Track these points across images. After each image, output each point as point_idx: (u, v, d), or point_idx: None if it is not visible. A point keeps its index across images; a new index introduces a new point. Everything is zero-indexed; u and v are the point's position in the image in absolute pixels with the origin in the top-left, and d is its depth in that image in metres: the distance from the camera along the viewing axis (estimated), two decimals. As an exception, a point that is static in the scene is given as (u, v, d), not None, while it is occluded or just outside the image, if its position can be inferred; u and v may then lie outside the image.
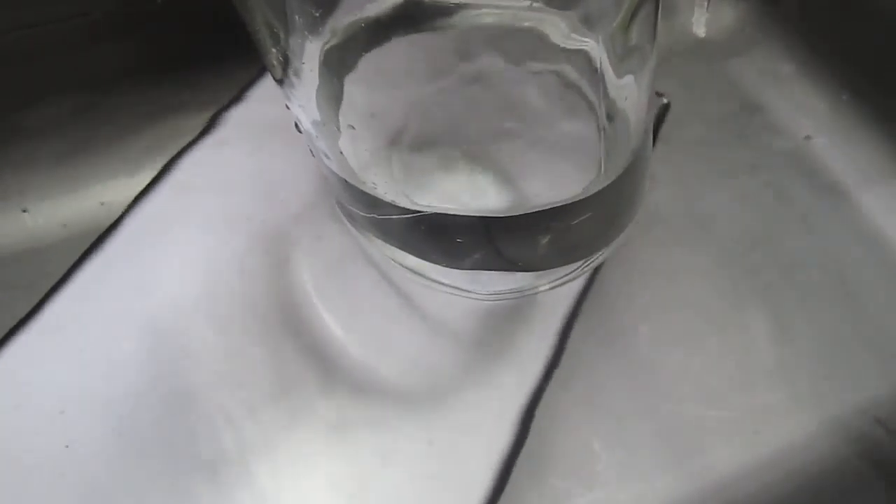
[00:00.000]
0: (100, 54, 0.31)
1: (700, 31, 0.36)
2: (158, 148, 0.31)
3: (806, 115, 0.33)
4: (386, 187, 0.21)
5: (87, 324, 0.24)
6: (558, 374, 0.25)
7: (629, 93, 0.20)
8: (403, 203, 0.20)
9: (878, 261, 0.30)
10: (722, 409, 0.26)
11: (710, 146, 0.33)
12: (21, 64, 0.30)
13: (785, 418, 0.26)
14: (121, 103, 0.32)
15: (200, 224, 0.27)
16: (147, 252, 0.26)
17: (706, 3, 0.35)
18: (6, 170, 0.31)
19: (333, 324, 0.25)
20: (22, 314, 0.24)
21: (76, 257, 0.26)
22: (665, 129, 0.30)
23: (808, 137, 0.33)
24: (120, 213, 0.27)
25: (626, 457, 0.26)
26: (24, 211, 0.31)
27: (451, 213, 0.21)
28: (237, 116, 0.29)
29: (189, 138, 0.29)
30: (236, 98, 0.29)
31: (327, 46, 0.19)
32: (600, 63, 0.19)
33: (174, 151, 0.28)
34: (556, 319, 0.25)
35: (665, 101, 0.30)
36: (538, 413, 0.24)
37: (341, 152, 0.20)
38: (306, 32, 0.18)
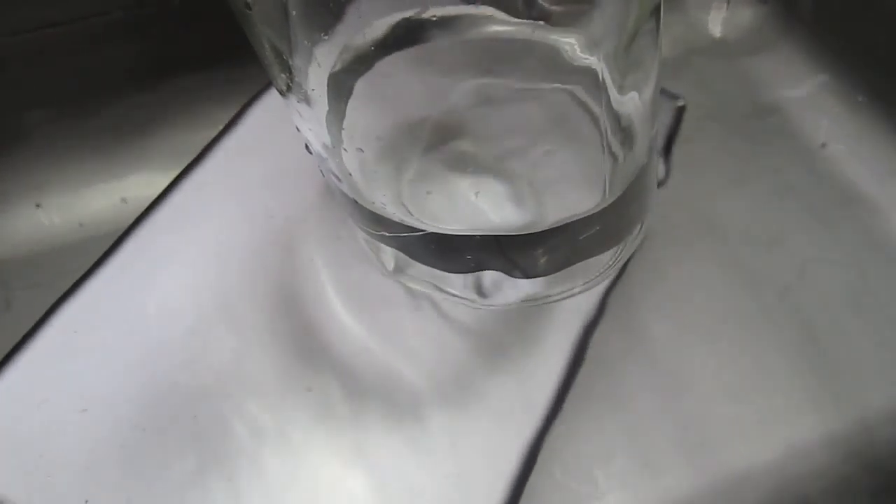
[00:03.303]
0: (121, 51, 0.31)
1: (716, 30, 0.35)
2: (179, 144, 0.31)
3: (824, 117, 0.33)
4: (394, 207, 0.21)
5: (108, 321, 0.25)
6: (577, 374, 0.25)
7: (633, 109, 0.20)
8: (411, 222, 0.21)
9: (894, 263, 0.30)
10: (740, 408, 0.27)
11: (728, 147, 0.32)
12: (42, 61, 0.31)
13: (803, 418, 0.26)
14: (141, 101, 0.32)
15: (220, 223, 0.27)
16: (167, 250, 0.26)
17: (724, 4, 0.35)
18: (24, 168, 0.32)
19: (352, 323, 0.25)
20: (42, 312, 0.25)
21: (95, 255, 0.26)
22: (682, 130, 0.30)
23: (824, 145, 0.32)
24: (139, 209, 0.27)
25: (644, 455, 0.26)
26: (38, 206, 0.32)
27: (459, 232, 0.21)
28: (259, 114, 0.29)
29: (210, 135, 0.29)
30: (257, 95, 0.29)
31: (334, 70, 0.19)
32: (603, 80, 0.19)
33: (195, 148, 0.28)
34: (579, 320, 0.25)
35: (681, 103, 0.30)
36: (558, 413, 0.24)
37: (350, 174, 0.21)
38: (313, 55, 0.18)
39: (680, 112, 0.30)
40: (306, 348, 0.25)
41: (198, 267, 0.26)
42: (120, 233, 0.26)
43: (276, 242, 0.26)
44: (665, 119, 0.30)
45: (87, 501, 0.22)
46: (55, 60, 0.31)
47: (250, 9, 0.17)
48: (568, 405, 0.24)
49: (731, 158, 0.32)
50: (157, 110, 0.33)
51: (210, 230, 0.27)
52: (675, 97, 0.30)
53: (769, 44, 0.35)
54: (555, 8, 0.18)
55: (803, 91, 0.34)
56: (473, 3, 0.19)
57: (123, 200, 0.32)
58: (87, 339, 0.24)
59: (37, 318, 0.25)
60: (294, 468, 0.23)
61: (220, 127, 0.29)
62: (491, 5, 0.19)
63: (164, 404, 0.23)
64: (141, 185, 0.32)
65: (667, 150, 0.29)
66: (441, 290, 0.24)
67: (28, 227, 0.31)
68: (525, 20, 0.18)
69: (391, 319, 0.25)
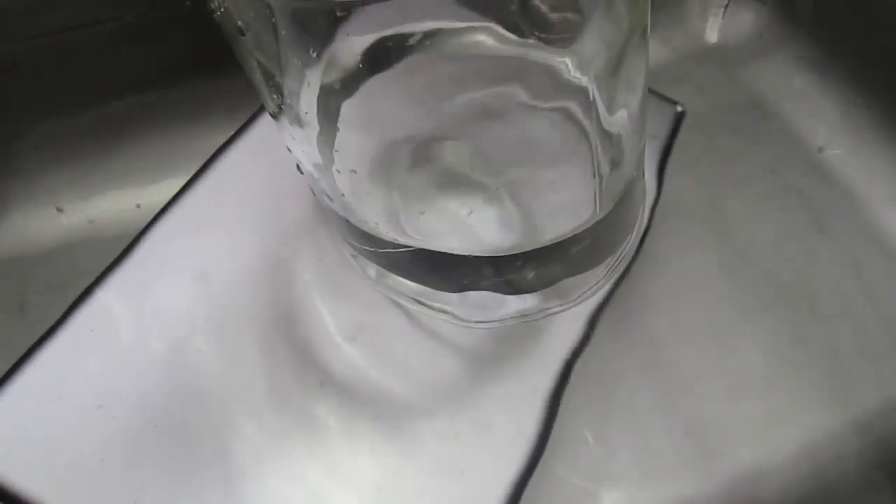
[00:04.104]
0: (135, 57, 0.31)
1: (714, 36, 0.35)
2: (194, 149, 0.31)
3: (821, 122, 0.33)
4: (386, 226, 0.21)
5: (123, 321, 0.25)
6: (579, 370, 0.25)
7: (622, 126, 0.20)
8: (403, 241, 0.21)
9: (892, 262, 0.30)
10: (741, 406, 0.27)
11: (727, 151, 0.32)
12: (58, 67, 0.31)
13: (804, 417, 0.27)
14: (156, 105, 0.33)
15: (229, 227, 0.27)
16: (178, 253, 0.27)
17: (722, 10, 0.35)
18: (38, 171, 0.32)
19: (344, 339, 0.25)
20: (56, 313, 0.25)
21: (108, 258, 0.26)
22: (681, 134, 0.30)
23: (821, 149, 0.32)
24: (153, 213, 0.27)
25: (645, 454, 0.26)
26: (60, 210, 0.32)
27: (450, 251, 0.21)
28: (269, 119, 0.29)
29: (224, 139, 0.29)
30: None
31: (324, 89, 0.19)
32: (593, 98, 0.19)
33: (209, 153, 0.28)
34: (581, 316, 0.26)
35: (679, 108, 0.30)
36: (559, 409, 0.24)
37: (343, 194, 0.21)
38: (304, 76, 0.19)
39: (679, 118, 0.30)
40: (301, 363, 0.25)
41: (207, 271, 0.26)
42: (132, 235, 0.27)
43: (283, 248, 0.27)
44: (664, 125, 0.30)
45: (100, 495, 0.23)
46: (70, 65, 0.31)
47: (243, 34, 0.17)
48: (571, 403, 0.25)
49: (730, 162, 0.32)
50: (174, 113, 0.33)
51: (220, 234, 0.27)
52: (673, 103, 0.30)
53: (767, 49, 0.35)
54: (549, 23, 0.18)
55: (801, 95, 0.34)
56: (469, 21, 0.19)
57: (139, 206, 0.32)
58: (103, 337, 0.25)
59: (50, 319, 0.25)
60: (296, 474, 0.23)
61: (233, 132, 0.29)
62: (487, 21, 0.19)
63: (176, 403, 0.24)
64: (155, 188, 0.32)
65: (662, 163, 0.29)
66: (432, 307, 0.24)
67: (43, 229, 0.32)
68: (517, 38, 0.18)
69: (383, 336, 0.25)
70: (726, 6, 0.35)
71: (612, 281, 0.25)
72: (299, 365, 0.25)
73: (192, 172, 0.28)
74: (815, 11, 0.34)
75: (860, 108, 0.33)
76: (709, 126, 0.33)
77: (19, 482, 0.22)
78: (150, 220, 0.27)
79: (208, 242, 0.27)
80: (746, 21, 0.36)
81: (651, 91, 0.31)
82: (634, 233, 0.24)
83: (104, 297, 0.26)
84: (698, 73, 0.35)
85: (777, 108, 0.34)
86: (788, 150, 0.33)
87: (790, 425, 0.26)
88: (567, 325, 0.25)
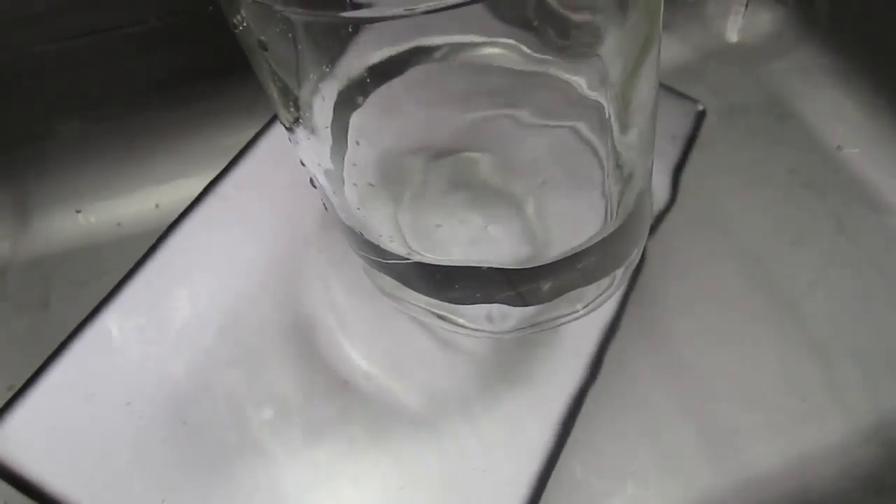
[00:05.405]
0: (155, 59, 0.32)
1: (734, 35, 0.35)
2: (213, 151, 0.32)
3: (840, 120, 0.33)
4: (397, 238, 0.21)
5: (148, 320, 0.25)
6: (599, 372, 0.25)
7: (634, 140, 0.20)
8: (413, 255, 0.21)
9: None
10: (759, 409, 0.27)
11: (745, 150, 0.32)
12: (81, 69, 0.31)
13: (822, 420, 0.27)
14: (176, 107, 0.33)
15: (248, 230, 0.27)
16: (200, 254, 0.27)
17: (742, 9, 0.34)
18: (62, 171, 0.33)
19: (362, 350, 0.26)
20: (79, 309, 0.25)
21: (129, 255, 0.27)
22: (701, 133, 0.30)
23: (839, 147, 0.32)
24: (172, 214, 0.28)
25: (664, 455, 0.26)
26: (78, 212, 0.32)
27: (460, 264, 0.21)
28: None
29: (241, 142, 0.29)
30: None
31: (338, 102, 0.19)
32: (608, 115, 0.19)
33: (228, 155, 0.29)
34: (599, 322, 0.26)
35: (701, 107, 0.30)
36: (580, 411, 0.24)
37: (353, 206, 0.21)
38: (318, 89, 0.19)
39: (700, 117, 0.30)
40: (321, 368, 0.25)
41: (226, 272, 0.27)
42: (151, 234, 0.27)
43: (299, 258, 0.27)
44: (685, 124, 0.29)
45: (129, 493, 0.23)
46: (93, 68, 0.31)
47: (266, 49, 0.17)
48: (590, 405, 0.25)
49: (748, 161, 0.32)
50: (194, 115, 0.33)
51: (239, 236, 0.27)
52: (694, 102, 0.30)
53: (786, 48, 0.35)
54: (561, 40, 0.18)
55: (820, 94, 0.34)
56: (482, 36, 0.19)
57: (157, 206, 0.33)
58: (130, 336, 0.25)
59: (74, 314, 0.25)
60: (319, 474, 0.24)
61: (251, 134, 0.29)
62: (499, 37, 0.19)
63: (202, 400, 0.24)
64: (177, 189, 0.33)
65: (681, 162, 0.29)
66: (445, 319, 0.24)
67: (66, 228, 0.32)
68: (530, 54, 0.18)
69: (399, 342, 0.26)
70: (746, 5, 0.35)
71: (625, 285, 0.25)
72: (319, 369, 0.25)
73: (209, 173, 0.29)
74: (834, 9, 0.34)
75: (879, 107, 0.32)
76: (727, 124, 0.33)
77: (49, 480, 0.23)
78: (168, 219, 0.28)
79: (228, 246, 0.27)
80: (766, 20, 0.36)
81: (671, 89, 0.31)
82: (642, 243, 0.24)
83: (129, 296, 0.26)
84: (718, 71, 0.35)
85: (796, 107, 0.34)
86: (807, 148, 0.33)
87: (808, 427, 0.27)
88: (586, 331, 0.26)
